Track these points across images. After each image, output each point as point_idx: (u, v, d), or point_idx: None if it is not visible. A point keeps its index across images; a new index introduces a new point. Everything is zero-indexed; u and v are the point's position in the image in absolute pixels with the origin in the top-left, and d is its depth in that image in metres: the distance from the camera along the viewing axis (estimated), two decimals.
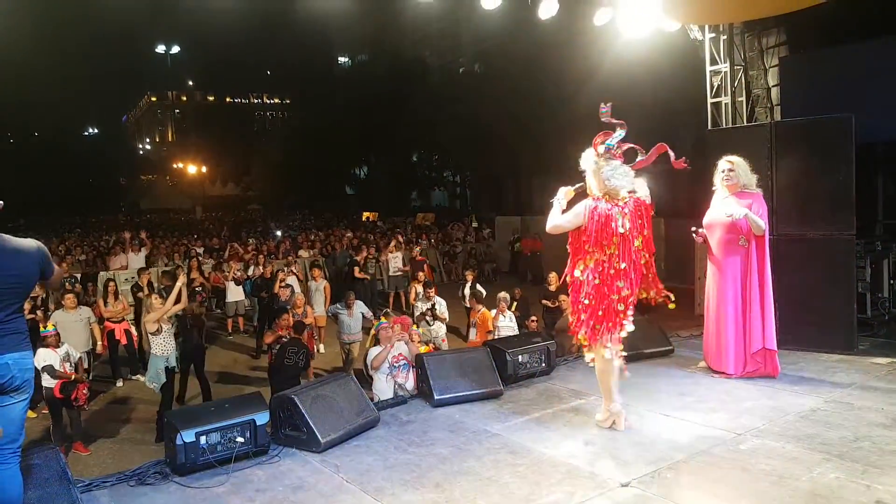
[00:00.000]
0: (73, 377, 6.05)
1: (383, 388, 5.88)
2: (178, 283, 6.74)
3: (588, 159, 4.33)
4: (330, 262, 15.39)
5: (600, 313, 4.19)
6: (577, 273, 4.31)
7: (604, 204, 4.19)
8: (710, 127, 7.73)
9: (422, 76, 33.15)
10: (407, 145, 35.02)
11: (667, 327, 7.83)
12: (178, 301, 6.66)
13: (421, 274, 11.85)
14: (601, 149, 4.28)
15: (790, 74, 7.82)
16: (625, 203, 4.21)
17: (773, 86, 8.11)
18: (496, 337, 7.23)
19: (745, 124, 7.57)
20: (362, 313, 9.29)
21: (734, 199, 5.37)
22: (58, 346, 6.22)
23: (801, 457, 3.92)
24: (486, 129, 27.05)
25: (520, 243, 17.47)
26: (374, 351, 6.12)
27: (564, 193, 4.43)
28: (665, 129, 23.92)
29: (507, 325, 7.61)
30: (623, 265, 4.15)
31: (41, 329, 6.60)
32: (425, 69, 34.72)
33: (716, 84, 7.78)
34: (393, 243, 15.25)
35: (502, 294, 7.81)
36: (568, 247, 4.40)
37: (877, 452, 3.93)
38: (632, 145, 4.38)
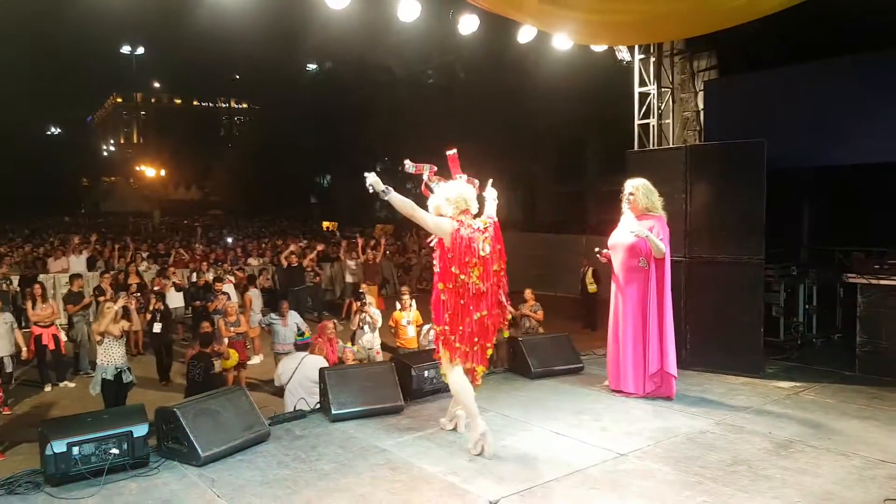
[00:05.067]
0: None
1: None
2: (116, 306, 6.64)
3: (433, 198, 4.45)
4: (280, 270, 15.22)
5: (460, 333, 4.28)
6: (441, 296, 4.37)
7: (465, 229, 4.28)
8: (636, 147, 7.82)
9: (388, 86, 33.14)
10: (371, 155, 34.91)
11: (590, 345, 7.90)
12: (127, 318, 6.79)
13: (364, 286, 11.85)
14: (426, 180, 4.50)
15: (713, 98, 7.87)
16: (486, 227, 4.36)
17: (701, 109, 8.20)
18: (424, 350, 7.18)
19: (663, 147, 7.66)
20: (296, 324, 9.20)
21: (636, 222, 5.46)
22: None
23: (675, 479, 3.95)
24: (451, 142, 27.11)
25: None
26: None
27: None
28: (595, 147, 24.51)
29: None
30: (483, 287, 4.27)
31: None
32: (392, 79, 34.69)
33: (644, 105, 7.87)
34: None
35: None
36: (435, 271, 4.44)
37: (750, 477, 3.98)
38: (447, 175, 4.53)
